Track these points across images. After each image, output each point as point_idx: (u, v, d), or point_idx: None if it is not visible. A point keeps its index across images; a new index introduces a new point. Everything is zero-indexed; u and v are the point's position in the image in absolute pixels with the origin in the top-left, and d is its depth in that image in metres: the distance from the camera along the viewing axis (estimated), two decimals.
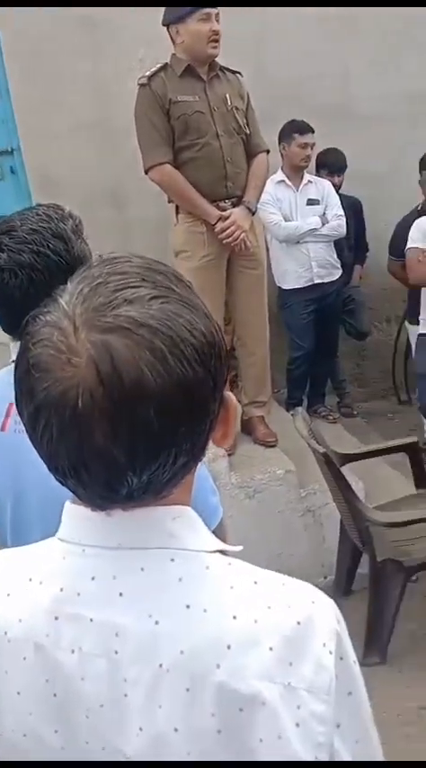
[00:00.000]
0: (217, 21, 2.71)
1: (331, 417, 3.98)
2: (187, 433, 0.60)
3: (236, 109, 2.81)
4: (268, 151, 2.95)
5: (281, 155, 3.70)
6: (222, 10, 2.81)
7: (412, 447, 2.96)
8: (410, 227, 3.53)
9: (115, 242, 3.64)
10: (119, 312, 0.57)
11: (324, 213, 3.74)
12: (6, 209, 3.68)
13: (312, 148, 3.71)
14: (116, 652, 0.61)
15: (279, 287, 3.81)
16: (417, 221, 3.45)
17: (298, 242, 3.71)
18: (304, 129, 3.65)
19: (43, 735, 0.64)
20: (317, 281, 3.77)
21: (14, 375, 0.62)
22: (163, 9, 2.83)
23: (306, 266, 3.75)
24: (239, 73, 2.91)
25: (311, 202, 3.73)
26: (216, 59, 2.80)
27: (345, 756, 0.61)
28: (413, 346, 3.90)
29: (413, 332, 3.85)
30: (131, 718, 0.61)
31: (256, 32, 3.79)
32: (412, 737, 2.18)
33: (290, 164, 3.71)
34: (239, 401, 3.23)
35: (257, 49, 3.80)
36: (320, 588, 0.66)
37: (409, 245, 3.43)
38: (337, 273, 3.86)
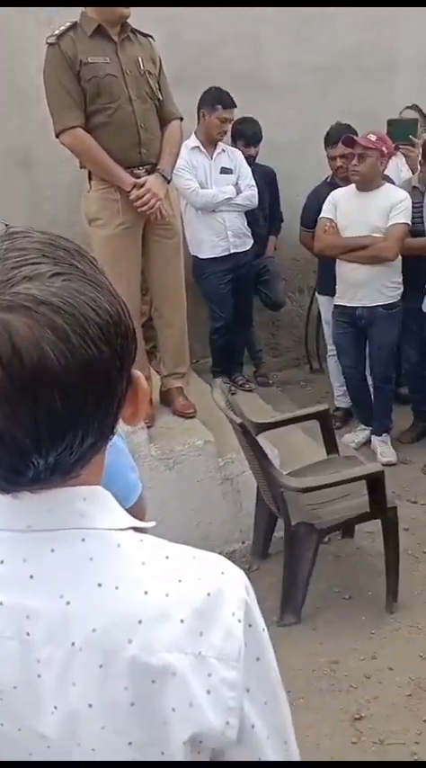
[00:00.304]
0: None
1: (248, 386, 4.04)
2: (93, 413, 0.59)
3: (149, 73, 2.72)
4: (181, 118, 2.90)
5: (199, 119, 3.65)
6: None
7: (323, 414, 3.06)
8: (320, 199, 3.61)
9: (24, 206, 3.53)
10: (19, 290, 0.56)
11: (237, 183, 3.73)
12: None
13: (230, 123, 3.68)
14: (28, 634, 0.61)
15: (195, 256, 3.80)
16: (332, 193, 3.53)
17: (214, 211, 3.69)
18: (228, 103, 3.60)
19: None
20: (233, 250, 3.79)
21: None
22: None
23: (222, 235, 3.75)
24: (151, 36, 2.82)
25: (224, 171, 3.72)
26: (127, 22, 2.70)
27: (254, 718, 0.64)
28: (323, 317, 4.01)
29: (324, 303, 3.96)
30: (45, 698, 0.61)
31: None
32: (325, 691, 2.30)
33: (206, 133, 3.67)
34: (157, 372, 3.22)
35: (170, 12, 3.70)
36: (238, 553, 0.68)
37: (321, 215, 3.52)
38: (249, 243, 3.88)
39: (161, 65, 2.82)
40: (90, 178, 2.77)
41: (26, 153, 3.61)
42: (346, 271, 3.51)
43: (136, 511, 1.06)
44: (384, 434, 3.71)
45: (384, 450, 3.66)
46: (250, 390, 4.01)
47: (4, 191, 3.45)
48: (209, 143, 3.69)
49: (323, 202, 3.57)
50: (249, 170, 3.79)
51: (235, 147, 3.85)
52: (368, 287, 3.43)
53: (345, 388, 3.99)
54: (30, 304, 0.55)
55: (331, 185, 3.72)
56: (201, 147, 3.68)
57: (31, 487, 0.61)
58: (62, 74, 2.60)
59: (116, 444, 1.01)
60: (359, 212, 3.41)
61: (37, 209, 3.57)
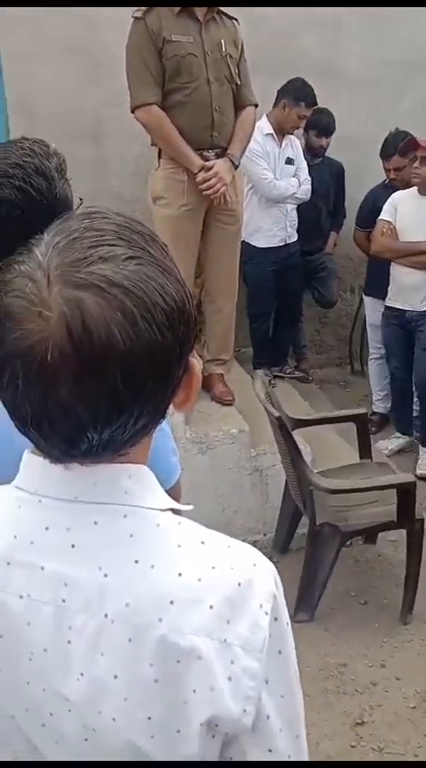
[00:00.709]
0: None
1: (296, 373, 4.03)
2: (150, 395, 0.61)
3: (230, 56, 2.71)
4: (256, 105, 2.88)
5: (276, 104, 3.60)
6: None
7: (361, 418, 3.04)
8: (376, 199, 3.58)
9: (91, 179, 3.56)
10: (93, 269, 0.58)
11: (295, 174, 3.71)
12: None
13: (306, 120, 3.64)
14: (64, 600, 0.63)
15: (246, 242, 3.74)
16: (393, 195, 3.48)
17: (279, 201, 3.68)
18: (312, 101, 3.57)
19: None
20: (288, 240, 3.78)
21: None
22: None
23: (281, 225, 3.74)
24: (236, 19, 2.80)
25: (289, 161, 3.70)
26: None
27: (270, 709, 0.66)
28: (368, 319, 3.98)
29: (370, 304, 3.93)
30: (73, 664, 0.63)
31: None
32: (330, 692, 2.33)
33: (280, 123, 3.63)
34: (200, 356, 3.24)
35: None
36: (259, 544, 0.70)
37: (380, 216, 3.48)
38: (296, 235, 3.86)
39: (242, 49, 2.80)
40: (159, 156, 2.78)
41: (97, 125, 3.63)
42: (400, 274, 3.48)
43: (173, 493, 1.08)
44: None
45: (423, 462, 3.60)
46: (299, 379, 3.97)
47: (73, 162, 3.47)
48: (280, 132, 3.66)
49: (379, 203, 3.55)
50: (305, 163, 3.76)
51: (307, 136, 3.79)
52: (421, 291, 3.41)
53: (385, 392, 3.97)
54: (103, 284, 0.57)
55: (389, 188, 3.69)
56: (275, 134, 3.64)
57: (83, 460, 0.64)
58: (144, 49, 2.60)
59: (162, 427, 1.03)
60: (418, 216, 3.36)
61: (103, 183, 3.59)
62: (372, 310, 3.91)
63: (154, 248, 0.62)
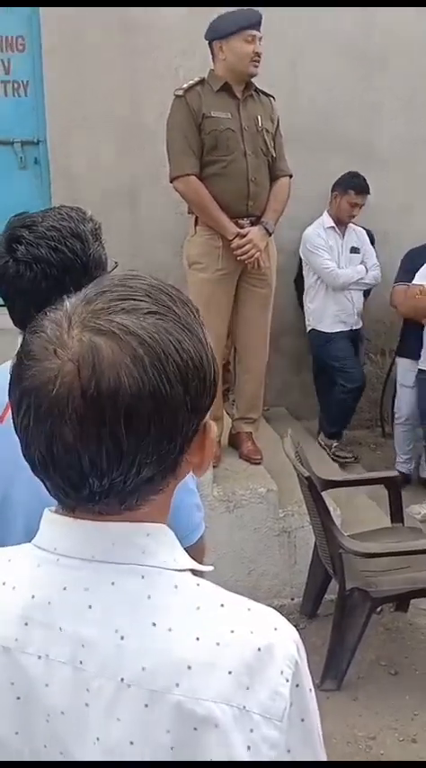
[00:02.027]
0: (260, 43, 2.78)
1: (348, 454, 4.04)
2: (153, 445, 0.61)
3: (266, 131, 2.87)
4: (291, 176, 3.01)
5: (331, 201, 3.84)
6: (264, 35, 2.88)
7: (392, 480, 3.02)
8: (414, 257, 3.70)
9: (127, 244, 3.71)
10: (113, 318, 0.60)
11: (362, 261, 3.87)
12: (26, 198, 3.76)
13: (360, 209, 3.79)
14: (81, 662, 0.63)
15: (314, 329, 3.92)
16: None
17: (344, 289, 3.83)
18: (362, 189, 3.75)
19: (4, 735, 0.66)
20: (354, 327, 3.94)
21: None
22: (204, 20, 2.89)
23: (348, 312, 3.89)
24: (272, 97, 2.97)
25: (354, 250, 3.88)
26: (251, 81, 2.86)
27: None
28: (399, 379, 3.99)
29: (402, 365, 3.95)
30: (90, 728, 0.63)
31: (291, 60, 3.87)
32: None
33: (337, 214, 3.83)
34: (230, 415, 3.28)
35: (291, 75, 3.87)
36: (286, 609, 0.69)
37: (415, 280, 3.54)
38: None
39: (278, 124, 2.96)
40: (196, 223, 2.91)
41: (134, 193, 3.80)
42: None
43: (195, 551, 1.07)
44: None
45: None
46: (352, 460, 4.01)
47: (108, 228, 3.62)
48: (340, 223, 3.84)
49: (418, 261, 3.66)
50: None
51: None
52: None
53: (408, 456, 3.98)
54: (119, 332, 0.59)
55: None
56: (336, 227, 3.83)
57: (90, 507, 0.64)
58: (185, 124, 2.77)
59: (186, 483, 1.02)
60: None
61: (138, 248, 3.73)
62: (403, 371, 3.94)
63: (180, 308, 0.64)
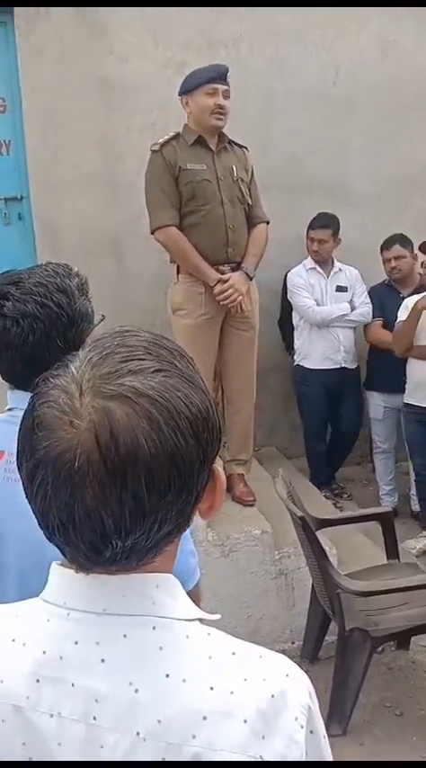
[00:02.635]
0: (225, 97, 2.86)
1: (345, 496, 4.06)
2: (174, 501, 0.62)
3: (241, 180, 2.95)
4: (267, 222, 3.09)
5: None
6: (234, 87, 2.99)
7: (386, 516, 3.01)
8: (375, 295, 3.91)
9: (113, 293, 3.76)
10: (123, 381, 0.61)
11: (351, 300, 3.92)
12: (11, 253, 3.81)
13: (321, 244, 3.85)
14: (95, 718, 0.62)
15: (299, 365, 3.98)
16: (405, 300, 3.63)
17: (328, 326, 3.87)
18: (314, 223, 3.86)
19: None
20: (343, 365, 3.94)
21: (19, 431, 0.65)
22: (179, 75, 3.00)
23: (335, 349, 3.91)
24: (245, 148, 3.07)
25: (340, 289, 3.92)
26: (224, 133, 2.95)
27: None
28: (370, 413, 4.03)
29: (371, 398, 4.02)
30: None
31: (261, 109, 4.01)
32: None
33: (312, 256, 3.91)
34: (220, 457, 3.28)
35: (263, 124, 4.00)
36: (287, 653, 0.69)
37: (399, 319, 3.60)
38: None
39: (253, 173, 3.05)
40: (178, 272, 2.97)
41: (118, 245, 3.88)
42: (416, 370, 3.54)
43: (192, 597, 1.08)
44: None
45: None
46: (348, 498, 4.01)
47: (94, 279, 3.67)
48: (325, 262, 3.91)
49: (381, 299, 3.86)
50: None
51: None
52: None
53: (391, 487, 4.03)
54: (131, 395, 0.60)
55: (387, 286, 3.94)
56: (318, 267, 3.91)
57: (109, 568, 0.64)
58: (162, 177, 2.84)
59: None
60: None
61: (124, 296, 3.79)
62: (374, 404, 4.01)
63: (180, 362, 0.65)
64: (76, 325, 1.18)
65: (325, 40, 4.12)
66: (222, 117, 2.86)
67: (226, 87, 2.86)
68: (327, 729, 2.19)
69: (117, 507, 0.60)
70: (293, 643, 2.94)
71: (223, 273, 2.89)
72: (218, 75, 2.83)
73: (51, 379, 0.64)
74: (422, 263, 3.59)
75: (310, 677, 0.69)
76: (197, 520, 0.66)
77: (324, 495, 3.89)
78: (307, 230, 3.90)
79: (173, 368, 0.64)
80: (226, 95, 2.86)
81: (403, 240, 3.84)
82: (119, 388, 0.61)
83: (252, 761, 0.60)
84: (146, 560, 0.65)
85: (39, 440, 0.61)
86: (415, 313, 3.50)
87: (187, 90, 2.89)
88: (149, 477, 0.60)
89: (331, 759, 0.67)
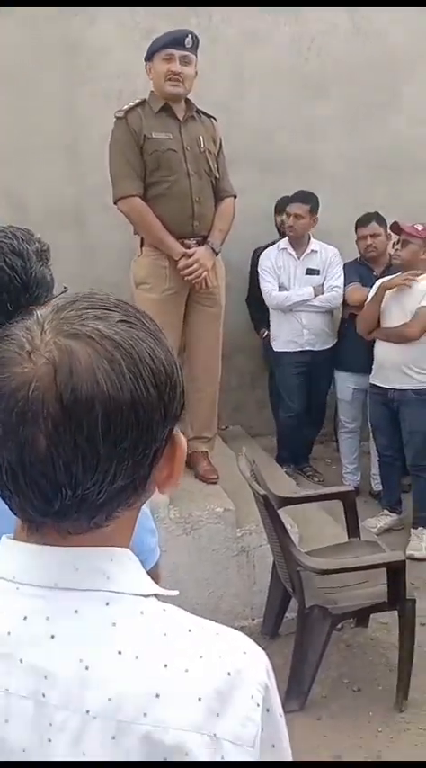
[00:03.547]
0: (184, 63, 2.75)
1: (315, 478, 4.08)
2: (130, 452, 0.60)
3: (208, 152, 2.88)
4: (235, 196, 3.03)
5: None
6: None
7: (348, 495, 3.03)
8: (349, 273, 3.88)
9: (76, 265, 3.67)
10: (87, 323, 0.60)
11: (322, 283, 3.87)
12: None
13: (297, 218, 3.79)
14: (44, 695, 0.60)
15: (270, 346, 3.98)
16: (378, 281, 3.62)
17: (292, 310, 3.84)
18: (294, 198, 3.81)
19: None
20: (308, 347, 3.91)
21: None
22: (146, 40, 2.90)
23: (298, 333, 3.88)
24: (214, 118, 2.99)
25: (310, 272, 3.87)
26: (192, 102, 2.87)
27: None
28: (337, 393, 4.07)
29: (338, 378, 4.04)
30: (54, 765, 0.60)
31: (234, 83, 3.93)
32: None
33: (286, 233, 3.87)
34: (184, 434, 3.24)
35: (235, 97, 3.93)
36: (247, 630, 0.67)
37: (368, 300, 3.59)
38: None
39: (221, 145, 2.98)
40: (142, 244, 2.90)
41: (81, 215, 3.78)
42: (380, 352, 3.55)
43: (151, 577, 1.07)
44: (419, 528, 3.57)
45: (414, 544, 3.53)
46: (320, 482, 4.01)
47: (57, 249, 3.58)
48: (298, 242, 3.86)
49: (351, 273, 3.85)
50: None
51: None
52: (399, 369, 3.46)
53: (354, 465, 4.07)
54: (95, 336, 0.59)
55: (359, 264, 3.93)
56: (289, 248, 3.86)
57: (59, 525, 0.62)
58: (126, 146, 2.76)
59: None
60: (397, 297, 3.47)
61: (86, 269, 3.70)
62: (341, 385, 4.03)
63: (146, 321, 0.64)
64: (31, 291, 1.14)
65: (298, 12, 4.04)
66: (178, 84, 2.76)
67: (184, 53, 2.75)
68: (285, 705, 2.19)
69: (70, 450, 0.57)
70: (253, 620, 2.94)
71: (188, 247, 2.82)
72: (174, 40, 2.74)
73: (17, 322, 0.63)
74: (393, 244, 3.58)
75: (269, 653, 0.67)
76: (158, 497, 0.64)
77: (286, 472, 3.89)
78: (283, 206, 3.85)
79: (140, 323, 0.63)
80: (185, 61, 2.75)
81: (378, 218, 3.83)
82: (82, 329, 0.59)
83: (208, 738, 0.59)
84: (98, 521, 0.62)
85: None
86: (379, 294, 3.50)
87: (149, 55, 2.80)
88: (106, 420, 0.58)
89: (287, 738, 0.65)
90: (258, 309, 4.04)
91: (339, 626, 2.78)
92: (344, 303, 3.94)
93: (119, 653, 0.60)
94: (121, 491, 0.62)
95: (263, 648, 0.66)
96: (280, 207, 3.97)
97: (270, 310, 3.93)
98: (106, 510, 0.62)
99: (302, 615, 2.54)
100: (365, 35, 4.19)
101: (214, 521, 2.90)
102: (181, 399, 0.65)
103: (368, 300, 3.57)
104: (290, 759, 0.66)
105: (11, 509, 0.63)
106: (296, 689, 2.52)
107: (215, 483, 3.09)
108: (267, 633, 2.86)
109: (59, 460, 0.58)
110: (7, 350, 0.60)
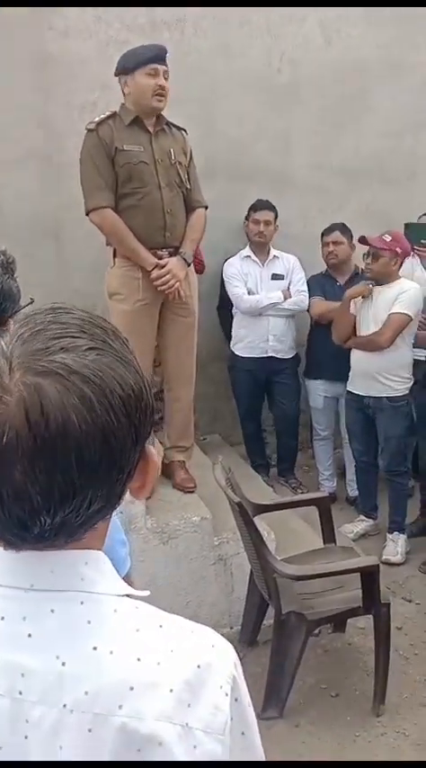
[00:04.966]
0: (165, 77, 2.80)
1: (299, 491, 4.08)
2: (104, 479, 0.62)
3: (179, 164, 2.90)
4: (206, 207, 3.05)
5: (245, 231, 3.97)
6: (177, 70, 2.94)
7: (323, 501, 3.05)
8: (314, 283, 3.97)
9: (52, 276, 3.68)
10: (55, 358, 0.60)
11: (288, 288, 3.93)
12: None
13: (267, 225, 3.88)
14: (20, 692, 0.62)
15: (232, 350, 4.02)
16: (348, 291, 3.67)
17: (261, 314, 3.88)
18: (258, 205, 3.90)
19: None
20: (271, 353, 3.95)
21: None
22: (120, 52, 2.92)
23: (262, 338, 3.92)
24: (184, 130, 3.02)
25: (276, 277, 3.94)
26: (163, 114, 2.89)
27: None
28: (309, 400, 4.11)
29: (309, 387, 4.09)
30: (31, 760, 0.62)
31: (205, 95, 3.96)
32: None
33: (249, 239, 3.94)
34: (162, 444, 3.26)
35: (206, 109, 3.96)
36: (225, 638, 0.70)
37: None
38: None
39: (191, 156, 3.00)
40: (114, 255, 2.90)
41: (56, 226, 3.78)
42: (355, 360, 3.59)
43: None
44: (394, 533, 3.61)
45: (389, 549, 3.56)
46: (302, 492, 4.03)
47: (34, 260, 3.61)
48: (260, 250, 3.94)
49: (319, 287, 3.94)
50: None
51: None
52: (373, 377, 3.50)
53: (329, 472, 4.12)
54: (63, 372, 0.60)
55: (325, 275, 4.01)
56: (253, 255, 3.94)
57: (36, 545, 0.64)
58: (97, 157, 2.77)
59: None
60: (369, 306, 3.51)
61: (62, 280, 3.71)
62: (313, 393, 4.08)
63: (114, 342, 0.65)
64: None
65: (270, 25, 4.09)
66: (163, 98, 2.81)
67: (165, 68, 2.81)
68: (263, 713, 2.22)
69: (46, 484, 0.60)
70: (231, 628, 2.95)
71: (160, 258, 2.84)
72: (157, 55, 2.77)
73: None
74: (363, 255, 3.62)
75: (247, 662, 0.71)
76: (135, 508, 0.65)
77: (264, 480, 3.92)
78: (249, 213, 3.92)
79: (107, 347, 0.64)
80: (166, 76, 2.81)
81: (343, 228, 3.92)
82: (50, 365, 0.60)
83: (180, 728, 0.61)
84: (77, 537, 0.65)
85: None
86: (345, 303, 3.55)
87: (127, 69, 2.82)
88: (79, 454, 0.60)
89: (255, 726, 0.68)
90: (228, 318, 4.07)
91: (316, 631, 2.80)
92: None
93: (95, 648, 0.63)
94: (98, 512, 0.64)
95: (241, 657, 0.69)
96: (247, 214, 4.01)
97: (235, 314, 3.97)
98: (83, 528, 0.65)
99: (278, 622, 2.55)
100: (337, 46, 4.26)
101: (191, 530, 2.90)
102: (151, 418, 0.67)
103: (337, 309, 3.63)
104: (259, 747, 0.69)
105: None
106: (274, 696, 2.53)
107: (192, 492, 3.10)
108: (245, 641, 2.86)
109: (36, 494, 0.60)
110: None
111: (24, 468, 0.59)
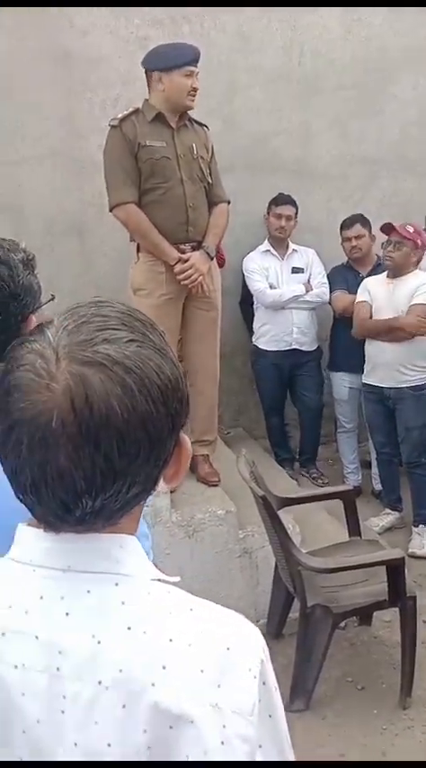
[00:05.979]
0: (197, 78, 2.86)
1: (320, 481, 4.09)
2: (143, 465, 0.66)
3: (201, 158, 2.92)
4: (228, 202, 3.06)
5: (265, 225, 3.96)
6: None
7: (348, 495, 3.04)
8: (335, 276, 3.95)
9: (75, 272, 3.71)
10: (98, 349, 0.64)
11: (308, 280, 3.92)
12: None
13: (288, 220, 3.87)
14: (58, 669, 0.65)
15: (254, 344, 4.01)
16: (364, 281, 3.69)
17: (283, 307, 3.88)
18: (280, 200, 3.88)
19: None
20: (295, 346, 3.94)
21: None
22: (142, 49, 2.94)
23: (286, 330, 3.92)
24: (206, 126, 3.03)
25: (296, 270, 3.93)
26: (186, 111, 2.91)
27: None
28: (334, 393, 4.08)
29: (334, 379, 4.05)
30: (67, 733, 0.65)
31: (226, 89, 3.95)
32: None
33: (269, 233, 3.92)
34: None
35: (227, 104, 3.96)
36: None
37: (358, 299, 3.62)
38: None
39: (213, 151, 3.01)
40: (138, 251, 2.93)
41: (81, 223, 3.81)
42: (373, 351, 3.57)
43: None
44: (420, 526, 3.59)
45: (415, 542, 3.54)
46: (323, 485, 4.02)
47: (59, 256, 3.65)
48: (279, 244, 3.93)
49: (341, 279, 3.89)
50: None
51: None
52: (393, 368, 3.48)
53: (355, 465, 4.10)
54: (106, 362, 0.63)
55: (347, 267, 3.98)
56: (272, 249, 3.93)
57: (76, 528, 0.67)
58: (121, 153, 2.79)
59: None
60: (389, 297, 3.50)
61: (86, 276, 3.74)
62: (337, 385, 4.06)
63: (152, 334, 0.68)
64: (19, 299, 1.20)
65: (290, 17, 4.07)
66: (195, 98, 2.88)
67: (198, 70, 2.88)
68: (291, 704, 2.22)
69: (89, 468, 0.63)
70: (257, 621, 2.95)
71: (183, 253, 2.85)
72: (196, 57, 2.84)
73: (27, 344, 0.66)
74: (382, 244, 3.60)
75: (274, 654, 0.71)
76: (161, 501, 0.67)
77: (288, 474, 3.91)
78: (270, 208, 3.90)
79: (146, 339, 0.67)
80: (197, 77, 2.87)
81: (363, 220, 3.88)
82: (94, 356, 0.63)
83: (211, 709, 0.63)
84: (114, 521, 0.68)
85: (15, 401, 0.64)
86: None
87: (166, 67, 2.83)
88: (121, 440, 0.63)
89: (282, 709, 0.70)
90: (251, 312, 4.07)
91: (342, 625, 2.79)
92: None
93: (129, 629, 0.66)
94: (136, 497, 0.68)
95: (269, 648, 0.70)
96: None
97: (257, 308, 3.96)
98: (121, 513, 0.68)
99: (304, 615, 2.55)
100: (357, 36, 4.21)
101: (216, 523, 2.92)
102: (187, 408, 0.71)
103: (361, 300, 3.61)
104: (286, 730, 0.70)
105: (33, 515, 0.69)
106: (300, 689, 2.54)
107: (216, 485, 3.11)
108: (271, 633, 2.87)
109: (79, 477, 0.63)
110: (24, 377, 0.64)
111: (69, 453, 0.62)
